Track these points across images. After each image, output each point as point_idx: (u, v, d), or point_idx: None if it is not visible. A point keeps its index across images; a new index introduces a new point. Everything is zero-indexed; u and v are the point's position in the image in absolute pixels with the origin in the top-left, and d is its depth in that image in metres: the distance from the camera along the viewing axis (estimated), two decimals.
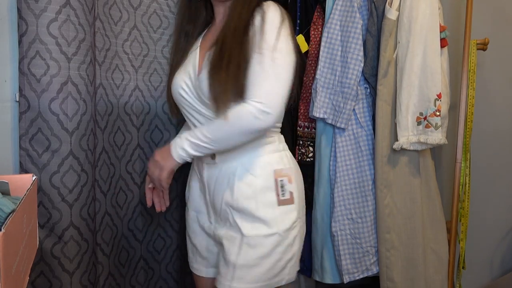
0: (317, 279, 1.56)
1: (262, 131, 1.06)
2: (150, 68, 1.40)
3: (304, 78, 1.57)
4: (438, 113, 1.39)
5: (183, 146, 1.08)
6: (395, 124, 1.44)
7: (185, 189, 1.50)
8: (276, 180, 1.12)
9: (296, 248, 1.14)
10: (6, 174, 1.02)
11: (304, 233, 1.20)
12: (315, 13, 1.60)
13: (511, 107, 1.78)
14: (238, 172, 1.12)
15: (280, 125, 1.20)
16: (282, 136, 1.22)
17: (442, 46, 1.43)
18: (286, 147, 1.21)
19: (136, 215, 1.39)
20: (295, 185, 1.15)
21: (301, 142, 1.58)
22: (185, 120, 1.26)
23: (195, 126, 1.18)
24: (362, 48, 1.44)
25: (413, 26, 1.39)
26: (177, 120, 1.45)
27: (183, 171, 1.48)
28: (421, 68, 1.39)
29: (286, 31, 1.08)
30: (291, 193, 1.13)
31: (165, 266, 1.46)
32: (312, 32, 1.57)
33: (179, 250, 1.48)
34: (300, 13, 1.62)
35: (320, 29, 1.55)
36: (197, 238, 1.26)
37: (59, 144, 1.09)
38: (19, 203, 0.75)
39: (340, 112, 1.46)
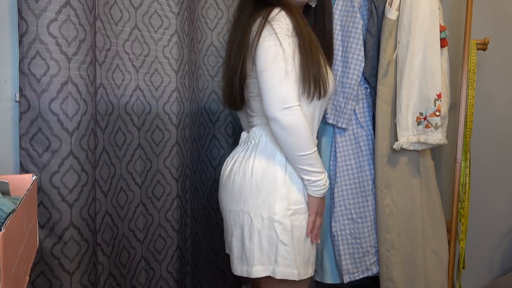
0: (317, 279, 1.56)
1: None
2: (151, 68, 1.40)
3: None
4: (438, 113, 1.39)
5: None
6: (395, 124, 1.44)
7: (184, 190, 1.50)
8: None
9: None
10: (6, 174, 1.02)
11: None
12: None
13: (511, 107, 1.79)
14: None
15: None
16: None
17: (442, 46, 1.43)
18: None
19: (137, 215, 1.39)
20: None
21: None
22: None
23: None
24: (362, 48, 1.44)
25: (413, 26, 1.39)
26: (178, 121, 1.45)
27: (183, 171, 1.48)
28: (421, 68, 1.39)
29: None
30: None
31: (166, 266, 1.46)
32: None
33: (180, 250, 1.48)
34: None
35: None
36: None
37: (59, 144, 1.09)
38: (19, 203, 0.75)
39: (341, 112, 1.46)
